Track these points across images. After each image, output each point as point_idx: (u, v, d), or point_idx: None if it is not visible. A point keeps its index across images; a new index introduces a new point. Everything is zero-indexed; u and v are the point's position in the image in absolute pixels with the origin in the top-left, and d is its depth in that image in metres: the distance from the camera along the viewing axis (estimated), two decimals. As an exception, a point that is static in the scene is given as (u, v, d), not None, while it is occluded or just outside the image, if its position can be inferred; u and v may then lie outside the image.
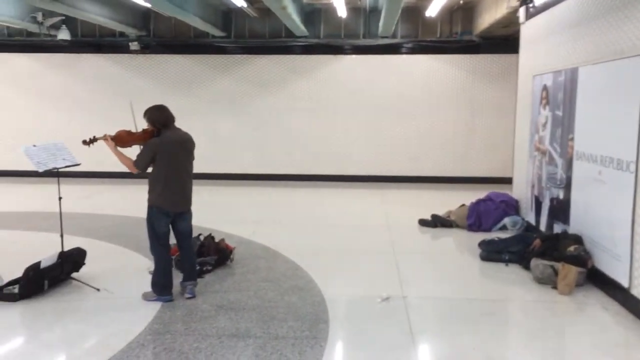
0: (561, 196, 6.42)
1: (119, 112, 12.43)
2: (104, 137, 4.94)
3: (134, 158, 4.86)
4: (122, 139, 4.92)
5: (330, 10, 11.28)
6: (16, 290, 4.94)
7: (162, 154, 4.80)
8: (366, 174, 12.22)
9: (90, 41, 12.12)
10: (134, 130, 4.99)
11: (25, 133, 12.28)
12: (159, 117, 4.88)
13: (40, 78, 12.56)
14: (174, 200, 4.91)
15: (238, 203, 10.14)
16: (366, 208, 9.54)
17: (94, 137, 5.01)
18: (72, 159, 5.63)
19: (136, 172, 4.89)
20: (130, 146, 4.95)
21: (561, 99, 6.44)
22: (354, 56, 12.07)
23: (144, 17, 11.74)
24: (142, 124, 4.98)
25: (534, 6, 7.55)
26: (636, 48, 4.72)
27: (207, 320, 4.58)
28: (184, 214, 5.06)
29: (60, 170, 5.42)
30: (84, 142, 5.03)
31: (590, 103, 5.68)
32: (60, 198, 5.53)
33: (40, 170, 5.23)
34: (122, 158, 4.88)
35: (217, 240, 6.23)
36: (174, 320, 4.59)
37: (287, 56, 12.15)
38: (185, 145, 5.00)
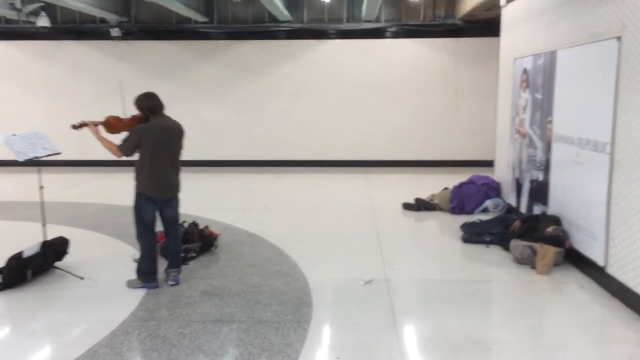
0: (540, 178, 6.52)
1: (101, 99, 12.37)
2: (89, 123, 4.99)
3: (118, 143, 4.89)
4: (111, 125, 4.99)
5: (313, -5, 11.25)
6: (-1, 280, 4.94)
7: (147, 140, 4.82)
8: (350, 158, 12.26)
9: (71, 28, 11.98)
10: (122, 116, 5.03)
11: (6, 122, 12.16)
12: (147, 103, 4.93)
13: (21, 66, 12.40)
14: (158, 187, 4.93)
15: (222, 189, 10.13)
16: (350, 193, 9.59)
17: (83, 121, 5.05)
18: (53, 147, 5.60)
19: (120, 156, 4.93)
20: (119, 132, 4.98)
21: (541, 82, 6.50)
22: (337, 40, 12.04)
23: (125, 2, 11.61)
24: (132, 109, 5.01)
25: (514, -11, 7.58)
26: (611, 31, 4.78)
27: (191, 306, 4.62)
28: (170, 200, 5.08)
29: (42, 159, 5.39)
30: (73, 127, 5.08)
31: (568, 86, 5.75)
32: (41, 187, 5.51)
33: (21, 159, 5.20)
34: (106, 143, 4.93)
35: (201, 227, 6.26)
36: (159, 307, 4.63)
37: (271, 41, 12.09)
38: (171, 132, 5.00)
